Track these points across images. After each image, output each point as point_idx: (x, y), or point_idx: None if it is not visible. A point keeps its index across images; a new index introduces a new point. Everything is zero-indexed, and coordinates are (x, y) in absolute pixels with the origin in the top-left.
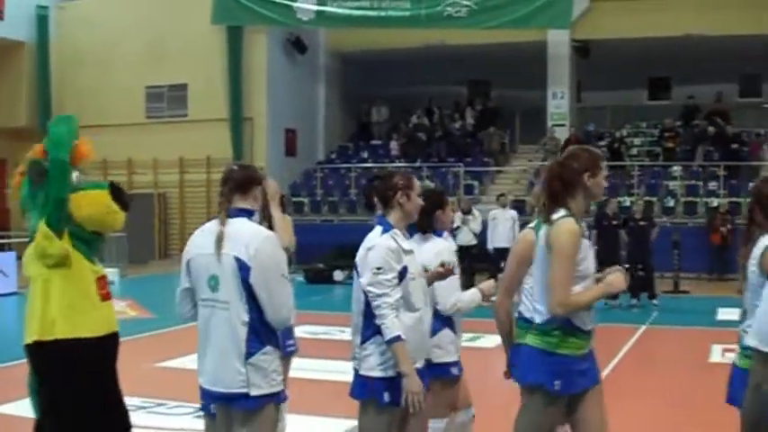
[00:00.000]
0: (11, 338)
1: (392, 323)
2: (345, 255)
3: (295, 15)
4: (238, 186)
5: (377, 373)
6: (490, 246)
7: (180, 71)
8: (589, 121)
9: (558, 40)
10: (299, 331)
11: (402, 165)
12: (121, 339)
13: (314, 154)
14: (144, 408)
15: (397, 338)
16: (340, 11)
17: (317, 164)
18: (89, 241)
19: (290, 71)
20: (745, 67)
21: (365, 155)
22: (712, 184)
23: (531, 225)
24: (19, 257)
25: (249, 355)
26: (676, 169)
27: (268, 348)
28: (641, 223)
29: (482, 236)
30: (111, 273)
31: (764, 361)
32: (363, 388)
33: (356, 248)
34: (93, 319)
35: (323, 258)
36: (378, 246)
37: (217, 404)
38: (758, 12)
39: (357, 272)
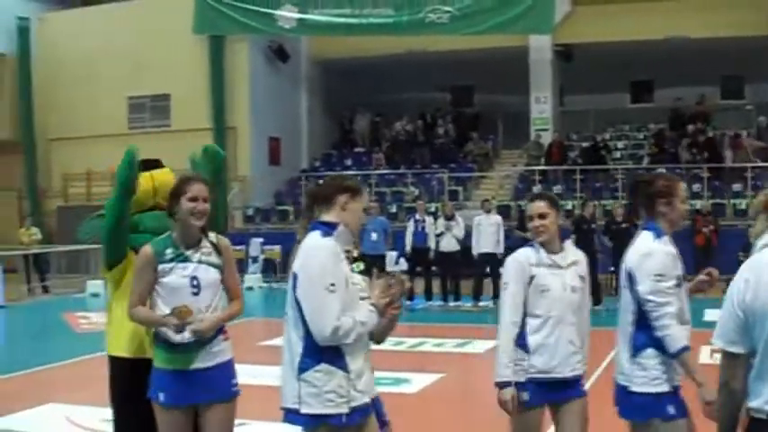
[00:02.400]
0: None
1: (676, 333)
2: None
3: (276, 23)
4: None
5: (655, 389)
6: (475, 252)
7: (162, 81)
8: (572, 125)
9: (540, 45)
10: (281, 341)
11: (386, 171)
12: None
13: (298, 162)
14: None
15: (685, 348)
16: (322, 18)
17: (301, 172)
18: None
19: (273, 79)
20: (726, 69)
21: (349, 162)
22: (696, 186)
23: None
24: (5, 271)
25: (302, 370)
26: (660, 172)
27: (323, 366)
28: (623, 226)
29: (468, 241)
30: (97, 284)
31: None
32: (640, 406)
33: None
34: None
35: None
36: (656, 251)
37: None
38: (739, 13)
39: (631, 280)
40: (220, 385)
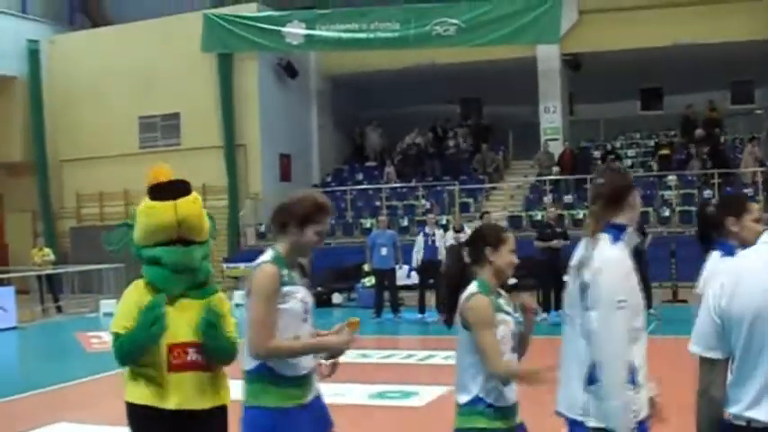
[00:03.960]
0: (10, 373)
1: None
2: (343, 277)
3: (284, 40)
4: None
5: None
6: None
7: (172, 100)
8: (582, 134)
9: (548, 55)
10: None
11: (397, 185)
12: (119, 371)
13: (309, 178)
14: None
15: None
16: (329, 34)
17: (312, 187)
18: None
19: (282, 96)
20: (736, 74)
21: (360, 177)
22: (707, 192)
23: None
24: (18, 292)
25: (590, 381)
26: (671, 179)
27: None
28: None
29: None
30: (110, 304)
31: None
32: None
33: (353, 271)
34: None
35: (321, 282)
36: None
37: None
38: (747, 18)
39: None
40: (327, 414)
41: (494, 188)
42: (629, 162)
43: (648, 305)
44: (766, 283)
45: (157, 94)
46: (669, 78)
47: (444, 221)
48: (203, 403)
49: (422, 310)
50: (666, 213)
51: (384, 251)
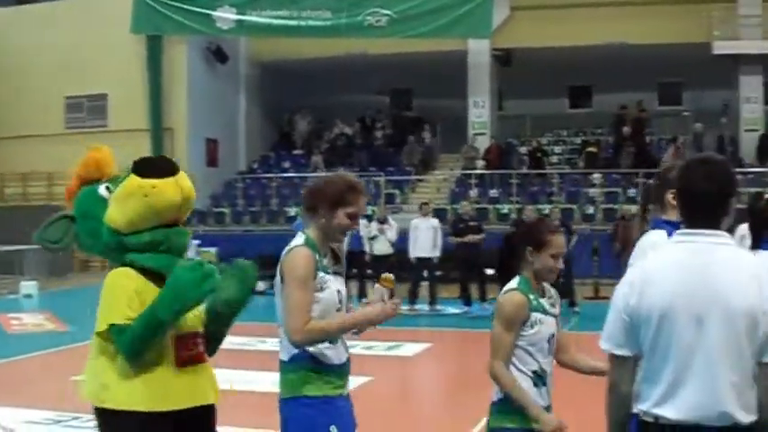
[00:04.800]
0: None
1: None
2: (267, 265)
3: (215, 24)
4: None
5: None
6: (412, 255)
7: (100, 81)
8: (510, 129)
9: (479, 49)
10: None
11: (324, 174)
12: (38, 353)
13: (235, 164)
14: (60, 421)
15: None
16: (260, 20)
17: (238, 174)
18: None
19: (211, 80)
20: (664, 76)
21: (287, 165)
22: (631, 192)
23: None
24: None
25: None
26: (597, 177)
27: None
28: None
29: (403, 245)
30: (30, 286)
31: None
32: None
33: (278, 259)
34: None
35: None
36: None
37: None
38: (678, 20)
39: None
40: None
41: (420, 180)
42: (555, 159)
43: (572, 302)
44: (674, 283)
45: (85, 74)
46: (599, 77)
47: (369, 212)
48: (211, 398)
49: None
50: (590, 211)
51: None
